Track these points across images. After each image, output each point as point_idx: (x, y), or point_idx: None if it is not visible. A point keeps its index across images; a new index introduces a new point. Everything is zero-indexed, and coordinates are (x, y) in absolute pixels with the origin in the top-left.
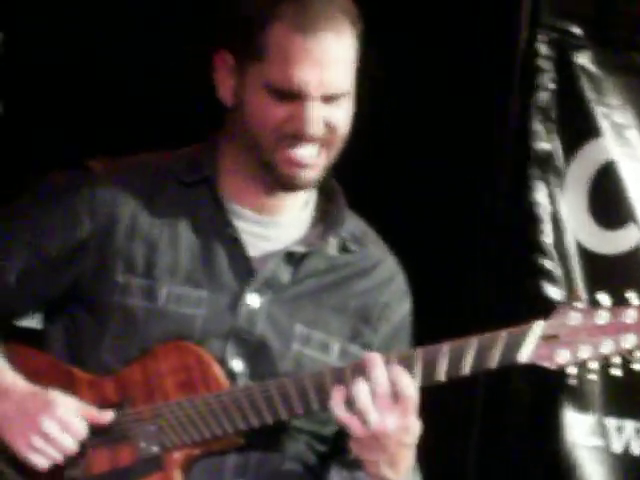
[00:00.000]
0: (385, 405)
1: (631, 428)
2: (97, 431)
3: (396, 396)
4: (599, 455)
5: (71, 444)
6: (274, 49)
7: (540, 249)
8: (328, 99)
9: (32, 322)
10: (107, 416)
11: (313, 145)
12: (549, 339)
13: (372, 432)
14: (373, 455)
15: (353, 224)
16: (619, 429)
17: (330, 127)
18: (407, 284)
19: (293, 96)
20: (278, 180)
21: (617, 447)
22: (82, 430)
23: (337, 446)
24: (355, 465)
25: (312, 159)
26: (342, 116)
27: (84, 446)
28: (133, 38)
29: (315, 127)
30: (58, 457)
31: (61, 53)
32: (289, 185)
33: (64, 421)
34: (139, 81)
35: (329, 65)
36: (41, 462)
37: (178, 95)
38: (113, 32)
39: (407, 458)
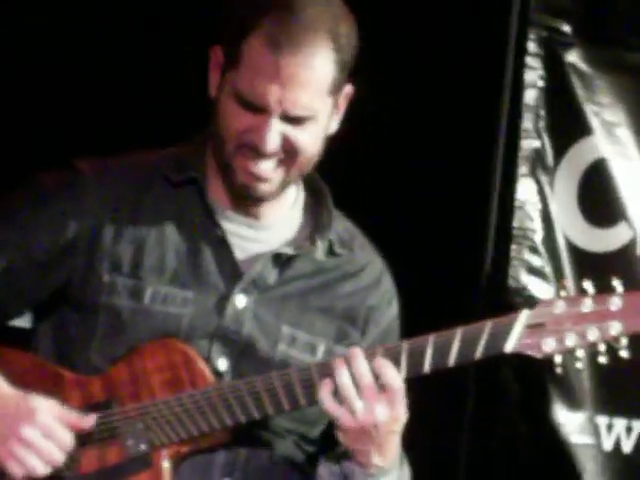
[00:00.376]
0: (371, 396)
1: (621, 426)
2: (81, 436)
3: (382, 388)
4: (589, 453)
5: (55, 452)
6: (247, 60)
7: (531, 247)
8: (292, 119)
9: (22, 321)
10: (90, 421)
11: (269, 160)
12: (535, 328)
13: (360, 423)
14: (363, 445)
15: (341, 226)
16: (609, 427)
17: (290, 146)
18: (394, 287)
19: (257, 109)
20: (236, 187)
21: (607, 445)
22: (66, 438)
23: (324, 447)
24: (342, 456)
25: (267, 173)
26: (306, 139)
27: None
28: (133, 38)
29: (271, 143)
30: (40, 466)
31: (61, 53)
32: (245, 194)
33: (46, 428)
34: (139, 81)
35: (295, 86)
36: (18, 471)
37: (178, 95)
38: (113, 32)
39: (395, 445)
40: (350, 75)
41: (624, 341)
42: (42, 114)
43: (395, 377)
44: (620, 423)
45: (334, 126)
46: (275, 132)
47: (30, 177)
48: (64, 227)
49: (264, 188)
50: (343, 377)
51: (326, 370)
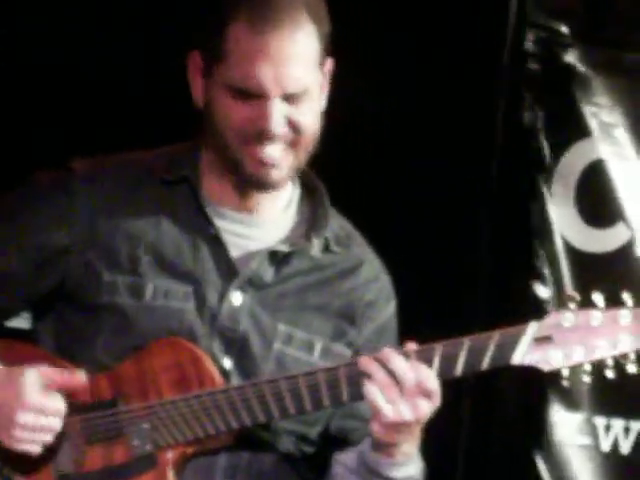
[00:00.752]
0: (414, 393)
1: (619, 427)
2: (85, 430)
3: (420, 388)
4: (587, 454)
5: (53, 422)
6: (232, 49)
7: (528, 248)
8: (290, 98)
9: (20, 322)
10: (81, 377)
11: (277, 144)
12: (542, 341)
13: (404, 418)
14: (398, 437)
15: (337, 224)
16: (607, 428)
17: (295, 126)
18: (392, 286)
19: (253, 95)
20: (246, 180)
21: (605, 446)
22: (59, 405)
23: (323, 447)
24: (362, 451)
25: (278, 158)
26: (306, 115)
27: (75, 438)
28: (133, 38)
29: (277, 125)
30: (47, 437)
31: (61, 53)
32: (257, 184)
33: (38, 407)
34: (139, 81)
35: (286, 62)
36: (32, 448)
37: (178, 95)
38: (113, 32)
39: (420, 430)
40: (329, 49)
41: (632, 356)
42: (42, 114)
43: (431, 375)
44: (618, 424)
45: (324, 102)
46: (278, 113)
47: (27, 177)
48: (59, 227)
49: (275, 174)
50: (383, 375)
51: (355, 370)
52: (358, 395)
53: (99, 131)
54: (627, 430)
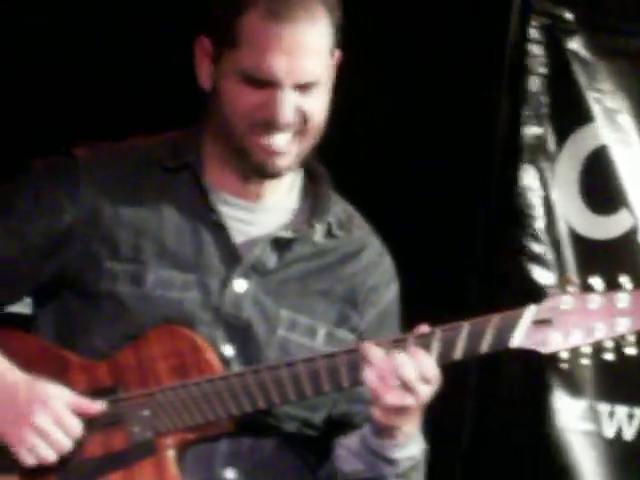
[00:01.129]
0: (415, 380)
1: (623, 413)
2: (90, 421)
3: (420, 376)
4: (591, 440)
5: (65, 441)
6: (247, 36)
7: (532, 234)
8: (301, 87)
9: (22, 307)
10: (98, 407)
11: (285, 133)
12: (541, 323)
13: (406, 402)
14: (400, 421)
15: (339, 208)
16: (611, 414)
17: (303, 116)
18: (394, 268)
19: (265, 84)
20: (251, 167)
21: (609, 432)
22: (76, 426)
23: (326, 432)
24: (365, 434)
25: (284, 147)
26: (316, 105)
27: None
28: (133, 38)
29: (287, 115)
30: (50, 454)
31: (61, 53)
32: (262, 172)
33: (58, 415)
34: (139, 81)
35: (301, 53)
36: (30, 459)
37: (178, 95)
38: (113, 32)
39: (421, 410)
40: (340, 41)
41: (631, 338)
42: (42, 114)
43: (429, 362)
44: (622, 410)
45: (330, 92)
46: (289, 103)
47: (26, 165)
48: (61, 214)
49: (281, 163)
50: (382, 362)
51: (355, 356)
52: (358, 381)
53: (98, 131)
54: (631, 416)
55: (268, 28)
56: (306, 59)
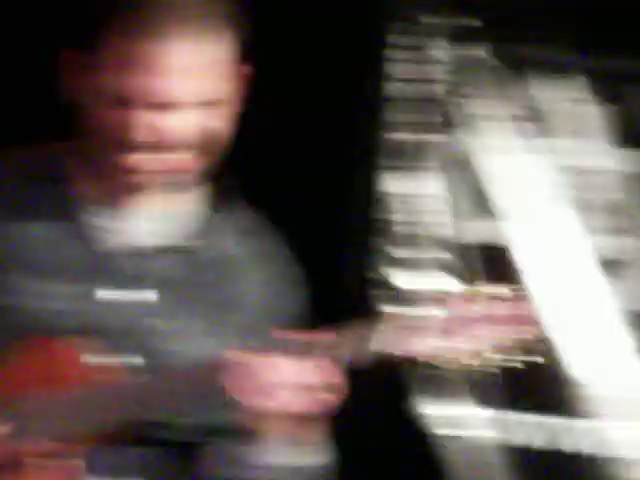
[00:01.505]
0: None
1: (532, 422)
2: None
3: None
4: (500, 449)
5: None
6: (110, 53)
7: (392, 238)
8: (164, 107)
9: None
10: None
11: (148, 152)
12: (406, 330)
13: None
14: (270, 427)
15: (234, 217)
16: (519, 423)
17: (168, 135)
18: (277, 270)
19: (125, 102)
20: (115, 184)
21: (518, 441)
22: None
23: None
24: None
25: (149, 165)
26: (182, 125)
27: None
28: None
29: (142, 135)
30: None
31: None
32: (126, 190)
33: None
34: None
35: (164, 73)
36: None
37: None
38: None
39: None
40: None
41: (511, 346)
42: (42, 114)
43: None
44: (531, 419)
45: (232, 108)
46: (146, 122)
47: None
48: None
49: (150, 180)
50: (243, 367)
51: (222, 363)
52: (222, 389)
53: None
54: (540, 425)
55: (127, 46)
56: (172, 79)
